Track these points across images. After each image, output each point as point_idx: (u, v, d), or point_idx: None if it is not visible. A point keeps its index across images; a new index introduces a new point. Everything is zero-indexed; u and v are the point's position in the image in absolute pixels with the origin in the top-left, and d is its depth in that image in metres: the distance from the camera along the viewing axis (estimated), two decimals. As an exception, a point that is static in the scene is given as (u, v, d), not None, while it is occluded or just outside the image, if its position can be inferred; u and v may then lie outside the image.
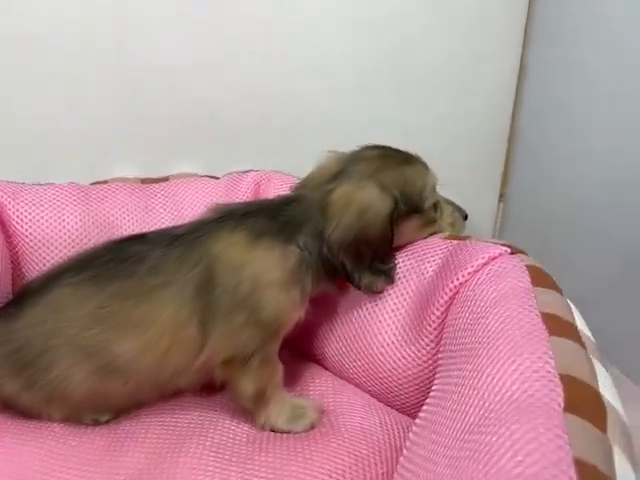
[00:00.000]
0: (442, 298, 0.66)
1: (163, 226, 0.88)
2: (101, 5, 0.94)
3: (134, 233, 0.74)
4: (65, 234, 0.84)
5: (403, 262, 0.75)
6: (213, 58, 1.02)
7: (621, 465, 0.37)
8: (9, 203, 0.84)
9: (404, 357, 0.70)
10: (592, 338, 0.52)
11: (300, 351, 0.83)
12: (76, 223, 0.85)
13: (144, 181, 0.94)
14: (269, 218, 0.67)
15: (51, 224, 0.84)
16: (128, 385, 0.65)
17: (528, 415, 0.40)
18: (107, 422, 0.70)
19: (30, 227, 0.83)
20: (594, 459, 0.36)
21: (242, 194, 0.92)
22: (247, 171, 0.97)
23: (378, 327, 0.74)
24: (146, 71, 1.00)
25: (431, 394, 0.58)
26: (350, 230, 0.65)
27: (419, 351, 0.69)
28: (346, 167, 0.70)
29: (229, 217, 0.67)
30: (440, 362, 0.63)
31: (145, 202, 0.90)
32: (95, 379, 0.64)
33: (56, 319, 0.64)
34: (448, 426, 0.47)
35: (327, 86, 1.09)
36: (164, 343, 0.63)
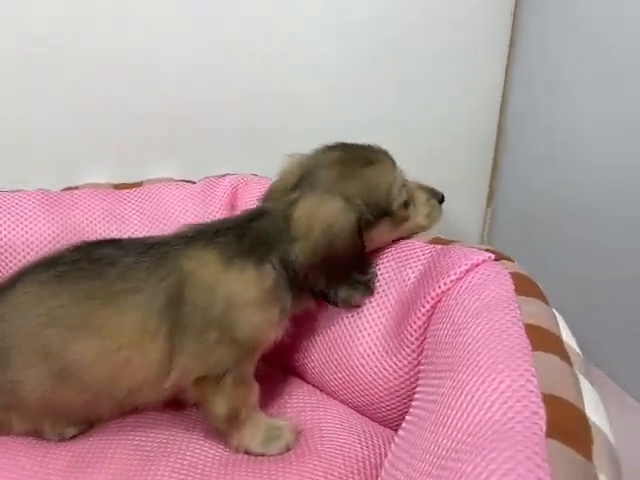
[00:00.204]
0: (424, 307, 0.63)
1: (136, 232, 0.85)
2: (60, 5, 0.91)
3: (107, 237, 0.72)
4: (33, 242, 0.80)
5: (385, 268, 0.72)
6: (189, 59, 0.99)
7: (608, 495, 0.34)
8: (-26, 211, 0.81)
9: (385, 368, 0.67)
10: (578, 350, 0.50)
11: (280, 364, 0.80)
12: (44, 231, 0.81)
13: (117, 186, 0.91)
14: (238, 238, 0.64)
15: (18, 232, 0.80)
16: (83, 395, 0.62)
17: (507, 441, 0.37)
18: (73, 438, 0.67)
19: (-3, 235, 0.80)
20: (577, 492, 0.33)
21: (219, 199, 0.89)
22: (224, 175, 0.93)
23: (358, 337, 0.70)
24: (119, 74, 0.97)
25: (410, 410, 0.55)
26: (316, 251, 0.62)
27: (400, 362, 0.66)
28: (307, 173, 0.67)
29: (200, 236, 0.65)
30: (421, 375, 0.60)
31: (117, 208, 0.86)
32: (49, 385, 0.61)
33: (16, 316, 0.62)
34: (425, 449, 0.44)
35: (314, 86, 1.07)
36: (124, 353, 0.59)
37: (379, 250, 0.73)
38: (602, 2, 0.91)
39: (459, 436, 0.41)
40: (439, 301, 0.62)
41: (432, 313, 0.63)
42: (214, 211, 0.89)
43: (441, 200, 0.75)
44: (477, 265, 0.62)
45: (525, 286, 0.57)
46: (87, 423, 0.68)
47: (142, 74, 0.97)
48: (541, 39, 1.08)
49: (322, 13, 1.02)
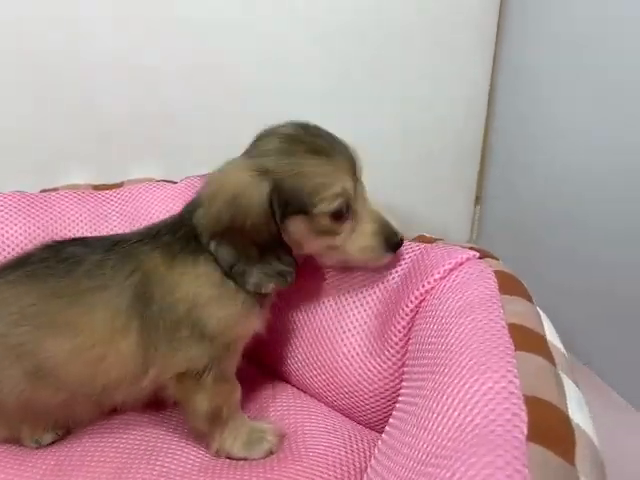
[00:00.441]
0: (407, 307, 0.62)
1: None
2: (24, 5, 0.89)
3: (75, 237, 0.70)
4: (9, 246, 0.78)
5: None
6: (170, 59, 0.97)
7: (591, 500, 0.33)
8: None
9: (369, 369, 0.66)
10: (563, 349, 0.49)
11: (263, 366, 0.79)
12: (20, 234, 0.79)
13: (97, 187, 0.89)
14: (173, 234, 0.62)
15: (-7, 235, 0.78)
16: (60, 394, 0.61)
17: (487, 446, 0.36)
18: (51, 445, 0.65)
19: (-31, 239, 0.78)
20: (558, 499, 0.31)
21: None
22: (205, 175, 0.91)
23: (342, 337, 0.69)
24: (97, 74, 0.95)
25: (393, 413, 0.54)
26: (219, 217, 0.58)
27: (385, 362, 0.65)
28: (256, 140, 0.64)
29: (148, 236, 0.64)
30: (405, 376, 0.59)
31: (97, 209, 0.84)
32: (26, 385, 0.60)
33: None
34: (405, 454, 0.43)
35: (308, 86, 1.06)
36: (98, 350, 0.59)
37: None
38: (587, 9, 0.91)
39: (439, 440, 0.40)
40: (423, 300, 0.61)
41: (416, 313, 0.62)
42: (196, 211, 0.87)
43: (394, 246, 0.64)
44: (461, 264, 0.61)
45: (509, 284, 0.56)
46: (65, 428, 0.67)
47: (120, 74, 0.96)
48: (525, 40, 1.07)
49: (322, 13, 1.01)
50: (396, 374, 0.64)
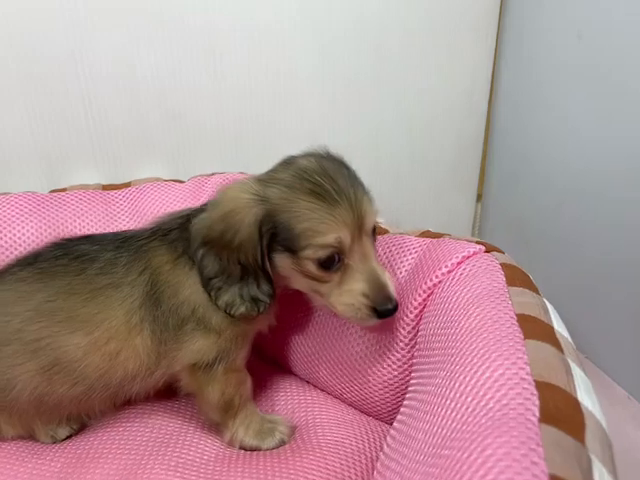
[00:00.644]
0: (416, 300, 0.64)
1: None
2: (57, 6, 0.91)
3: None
4: (21, 245, 0.80)
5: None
6: (174, 61, 0.99)
7: (601, 477, 0.35)
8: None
9: (379, 362, 0.68)
10: (569, 338, 0.50)
11: (273, 360, 0.80)
12: (32, 234, 0.80)
13: (106, 187, 0.90)
14: (180, 232, 0.63)
15: (5, 235, 0.80)
16: (77, 387, 0.62)
17: (501, 428, 0.37)
18: (66, 440, 0.67)
19: (-18, 238, 0.79)
20: (571, 475, 0.33)
21: (207, 198, 0.89)
22: (212, 174, 0.93)
23: (351, 331, 0.71)
24: (107, 75, 0.96)
25: (405, 402, 0.55)
26: (213, 226, 0.59)
27: (394, 355, 0.66)
28: (271, 169, 0.63)
29: (156, 232, 0.65)
30: (414, 368, 0.60)
31: (106, 209, 0.86)
32: (41, 380, 0.61)
33: (1, 314, 0.62)
34: (420, 440, 0.45)
35: (308, 90, 1.07)
36: (114, 346, 0.61)
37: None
38: (589, 2, 0.92)
39: (453, 425, 0.41)
40: (431, 294, 0.63)
41: (424, 306, 0.63)
42: (203, 210, 0.89)
43: (384, 312, 0.58)
44: (468, 257, 0.62)
45: (516, 277, 0.57)
46: (79, 421, 0.68)
47: (129, 76, 0.97)
48: (525, 36, 1.08)
49: (324, 14, 1.02)
50: (405, 366, 0.65)
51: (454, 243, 0.65)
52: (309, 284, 0.60)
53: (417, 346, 0.62)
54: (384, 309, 0.58)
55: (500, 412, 0.39)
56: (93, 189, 0.89)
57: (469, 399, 0.42)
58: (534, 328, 0.48)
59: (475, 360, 0.45)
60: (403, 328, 0.65)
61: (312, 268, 0.57)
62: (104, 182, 0.93)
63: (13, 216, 0.81)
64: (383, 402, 0.69)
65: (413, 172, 1.19)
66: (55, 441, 0.66)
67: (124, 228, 0.85)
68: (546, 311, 0.52)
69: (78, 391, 0.63)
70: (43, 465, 0.62)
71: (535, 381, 0.41)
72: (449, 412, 0.43)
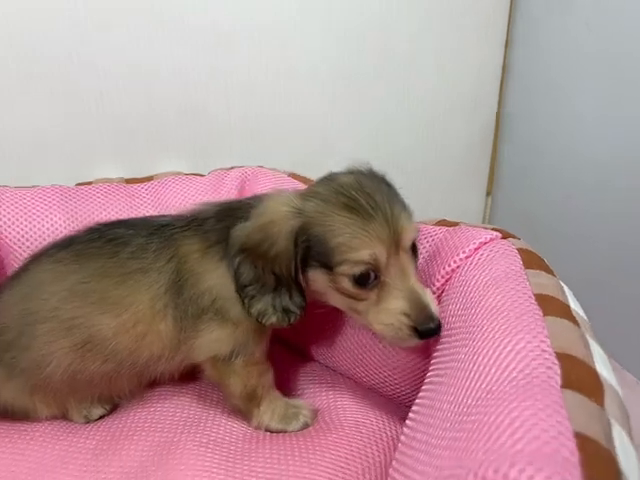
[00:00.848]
0: (434, 285, 0.66)
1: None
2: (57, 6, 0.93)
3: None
4: (50, 236, 0.82)
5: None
6: (195, 57, 1.01)
7: (620, 439, 0.37)
8: (-8, 207, 0.82)
9: (397, 347, 0.70)
10: (585, 317, 0.52)
11: (293, 347, 0.82)
12: (60, 225, 0.83)
13: (129, 181, 0.93)
14: (217, 221, 0.65)
15: (35, 226, 0.82)
16: (107, 365, 0.65)
17: (526, 393, 0.39)
18: (99, 420, 0.69)
19: (14, 230, 0.82)
20: (594, 433, 0.35)
21: (227, 191, 0.92)
22: (231, 168, 0.96)
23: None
24: (129, 71, 0.99)
25: (427, 379, 0.57)
26: (251, 235, 0.60)
27: (413, 339, 0.68)
28: (313, 183, 0.65)
29: (192, 221, 0.67)
30: (434, 348, 0.62)
31: (130, 202, 0.88)
32: (74, 356, 0.64)
33: (36, 294, 0.65)
34: (445, 409, 0.47)
35: (319, 88, 1.09)
36: (140, 329, 0.64)
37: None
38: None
39: (479, 394, 0.44)
40: (449, 279, 0.65)
41: (442, 291, 0.66)
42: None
43: (427, 332, 0.56)
44: (485, 243, 0.64)
45: (532, 260, 0.59)
46: (111, 402, 0.71)
47: (150, 71, 1.00)
48: (537, 29, 1.10)
49: (330, 14, 1.05)
50: (423, 348, 0.67)
51: (471, 230, 0.68)
52: (346, 302, 0.60)
53: (437, 329, 0.64)
54: (426, 328, 0.56)
55: (524, 380, 0.41)
56: (117, 183, 0.91)
57: (493, 370, 0.44)
58: (552, 306, 0.50)
59: (497, 335, 0.48)
60: (422, 312, 0.67)
61: (347, 285, 0.57)
62: (126, 176, 0.96)
63: (42, 208, 0.84)
64: (401, 385, 0.71)
65: (422, 167, 1.21)
66: (88, 421, 0.69)
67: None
68: (563, 292, 0.54)
69: (108, 368, 0.65)
70: (79, 442, 0.64)
71: (556, 352, 0.43)
72: (474, 383, 0.45)
